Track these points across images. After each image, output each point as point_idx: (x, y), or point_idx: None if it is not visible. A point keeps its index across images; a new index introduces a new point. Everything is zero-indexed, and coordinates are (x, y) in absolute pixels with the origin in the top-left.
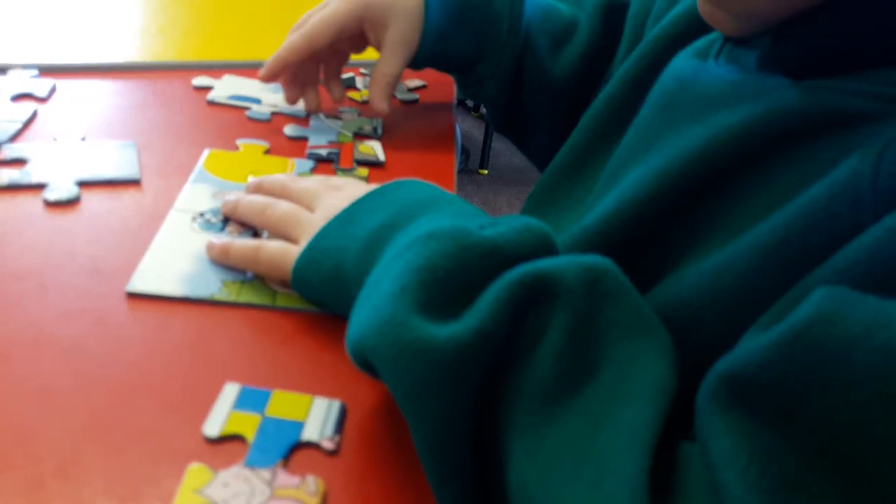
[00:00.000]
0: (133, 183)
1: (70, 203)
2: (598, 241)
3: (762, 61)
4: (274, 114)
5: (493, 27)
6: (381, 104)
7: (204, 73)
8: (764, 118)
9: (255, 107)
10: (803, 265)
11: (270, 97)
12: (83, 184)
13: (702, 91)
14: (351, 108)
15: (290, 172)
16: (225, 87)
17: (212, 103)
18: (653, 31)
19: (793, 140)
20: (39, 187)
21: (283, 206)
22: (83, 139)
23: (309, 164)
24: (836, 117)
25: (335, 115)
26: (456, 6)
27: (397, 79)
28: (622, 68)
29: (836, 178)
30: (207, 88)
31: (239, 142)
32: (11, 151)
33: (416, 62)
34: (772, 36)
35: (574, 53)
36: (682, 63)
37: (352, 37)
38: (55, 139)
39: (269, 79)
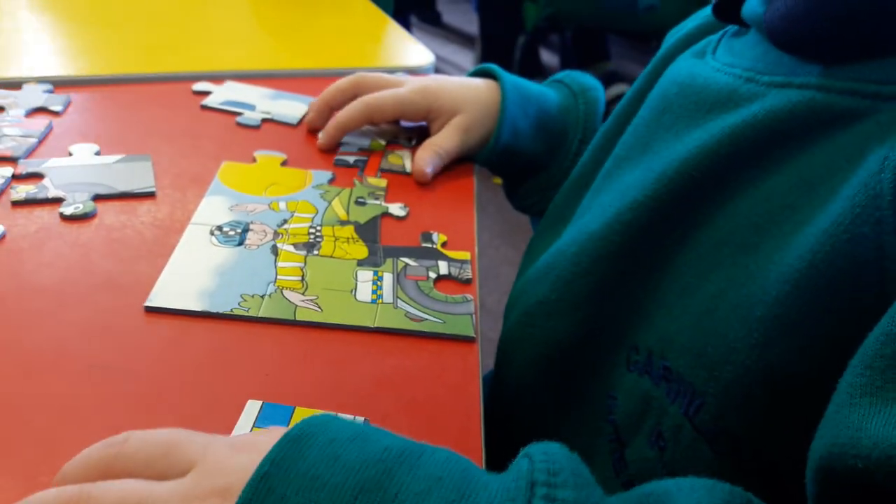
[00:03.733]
0: (148, 195)
1: (86, 217)
2: (601, 245)
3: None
4: (265, 120)
5: (565, 135)
6: (426, 167)
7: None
8: (755, 120)
9: (247, 113)
10: (833, 290)
11: (266, 104)
12: (99, 198)
13: (699, 93)
14: None
15: (308, 184)
16: (222, 93)
17: (205, 108)
18: (660, 50)
19: (784, 142)
20: (56, 201)
21: None
22: (98, 153)
23: (327, 175)
24: (823, 116)
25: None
26: (533, 109)
27: (450, 156)
28: (631, 88)
29: (857, 200)
30: (207, 93)
31: (256, 153)
32: (28, 166)
33: (485, 154)
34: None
35: None
36: (680, 64)
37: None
38: (70, 153)
39: (329, 146)
